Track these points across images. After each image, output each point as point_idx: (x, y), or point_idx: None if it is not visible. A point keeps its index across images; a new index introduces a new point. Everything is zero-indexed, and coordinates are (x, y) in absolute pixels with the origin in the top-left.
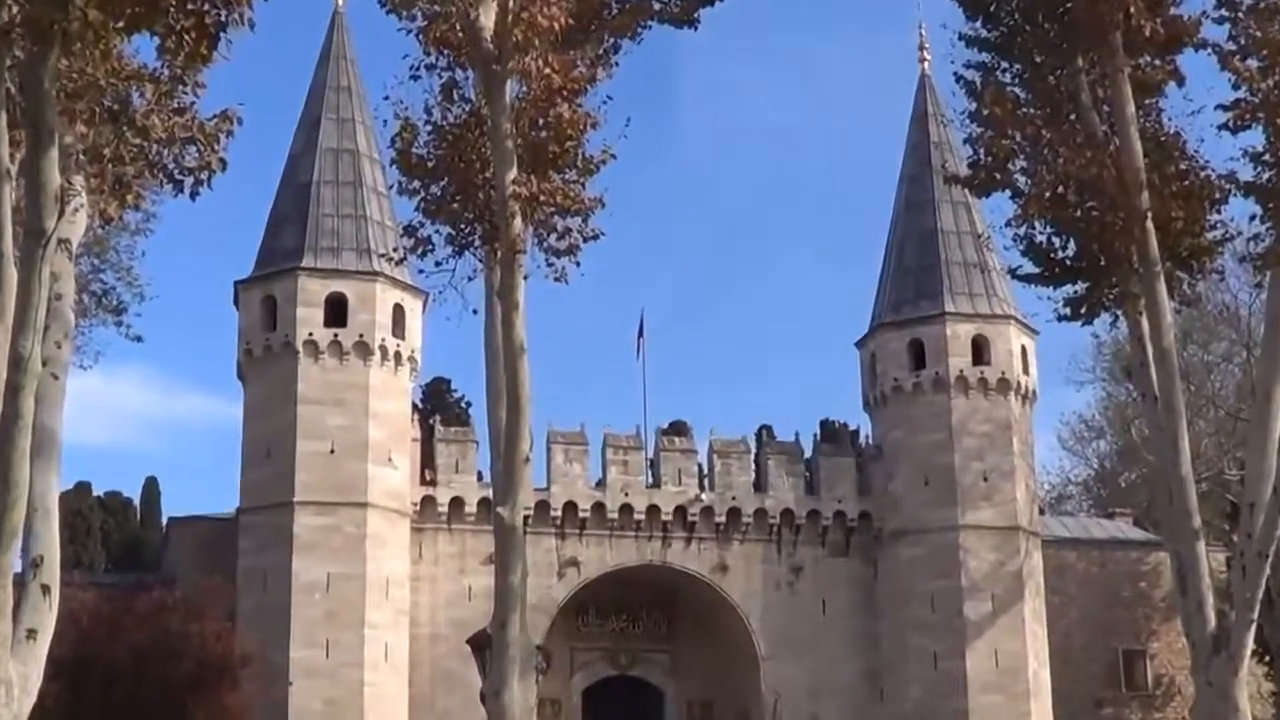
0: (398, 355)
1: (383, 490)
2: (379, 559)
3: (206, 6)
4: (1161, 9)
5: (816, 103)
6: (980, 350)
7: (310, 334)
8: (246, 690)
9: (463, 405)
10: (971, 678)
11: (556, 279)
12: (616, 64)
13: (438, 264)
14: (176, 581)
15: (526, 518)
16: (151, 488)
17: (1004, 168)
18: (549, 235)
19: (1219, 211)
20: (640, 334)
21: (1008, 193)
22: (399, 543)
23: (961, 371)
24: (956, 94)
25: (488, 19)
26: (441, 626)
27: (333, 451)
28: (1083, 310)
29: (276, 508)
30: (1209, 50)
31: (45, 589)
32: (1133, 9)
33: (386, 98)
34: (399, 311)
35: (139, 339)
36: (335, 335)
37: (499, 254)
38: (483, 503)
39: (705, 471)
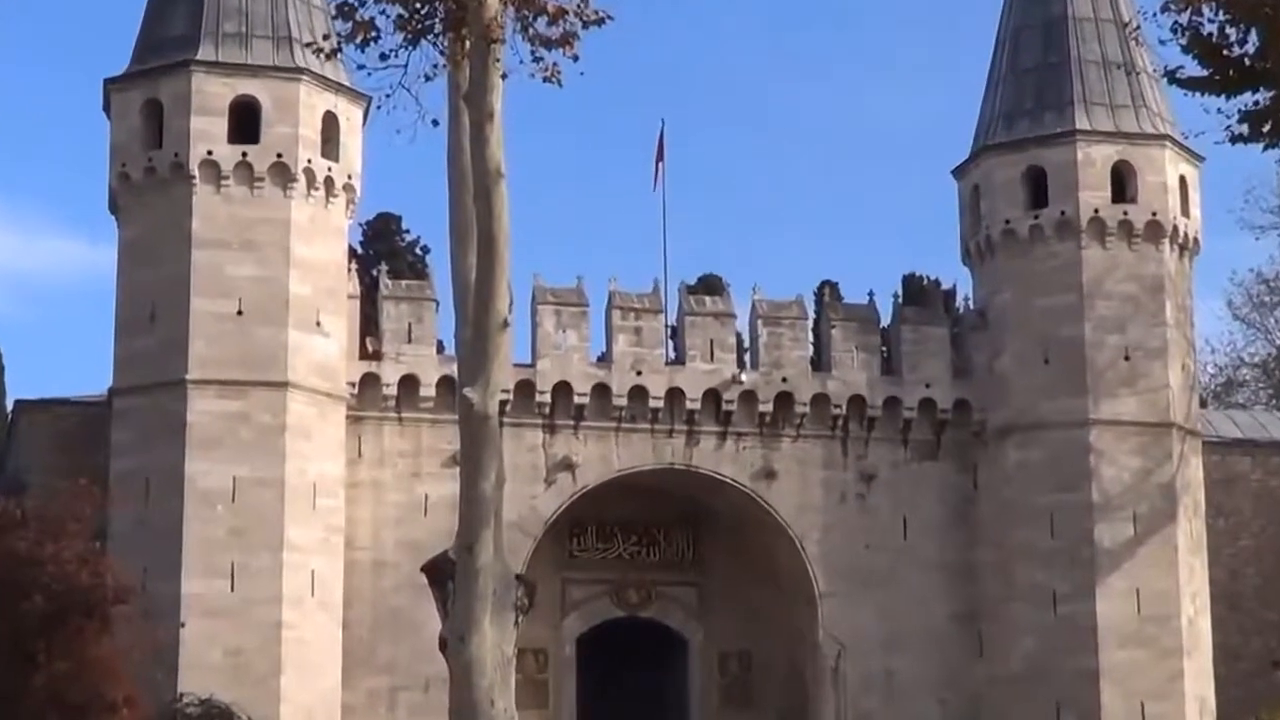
0: (329, 182)
1: (309, 365)
2: (303, 458)
3: None
4: None
5: None
6: (1123, 182)
7: (209, 152)
8: (121, 634)
9: (417, 251)
10: (1104, 626)
11: (546, 79)
12: None
13: (384, 57)
14: (26, 489)
15: (504, 404)
16: None
17: None
18: (535, 18)
19: None
20: (659, 156)
21: None
22: (330, 436)
23: (1097, 211)
24: None
25: None
26: (388, 550)
27: (240, 312)
28: (1265, 128)
29: (163, 388)
30: None
31: None
32: None
33: None
34: (331, 122)
35: None
36: (244, 154)
37: (467, 43)
38: (444, 383)
39: (746, 343)
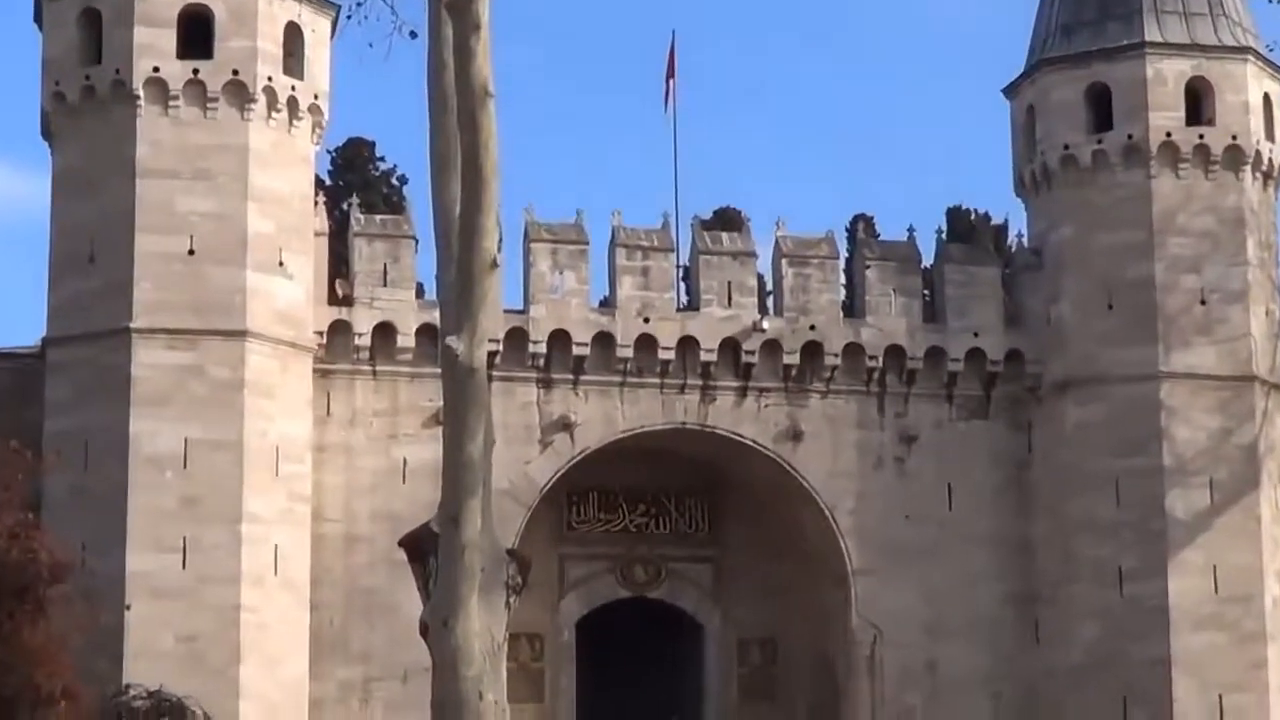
0: (292, 103)
1: (270, 312)
2: (264, 417)
3: None
4: None
5: None
6: (1199, 101)
7: (155, 69)
8: (58, 618)
9: (393, 181)
10: (1176, 608)
11: None
12: None
13: None
14: None
15: (493, 354)
16: None
17: None
18: None
19: None
20: (670, 73)
21: None
22: (295, 393)
23: (1169, 134)
24: None
25: None
26: (361, 522)
27: (192, 252)
28: None
29: (104, 338)
30: None
31: None
32: None
33: None
34: (294, 35)
35: None
36: (195, 71)
37: None
38: (424, 331)
39: (769, 286)
